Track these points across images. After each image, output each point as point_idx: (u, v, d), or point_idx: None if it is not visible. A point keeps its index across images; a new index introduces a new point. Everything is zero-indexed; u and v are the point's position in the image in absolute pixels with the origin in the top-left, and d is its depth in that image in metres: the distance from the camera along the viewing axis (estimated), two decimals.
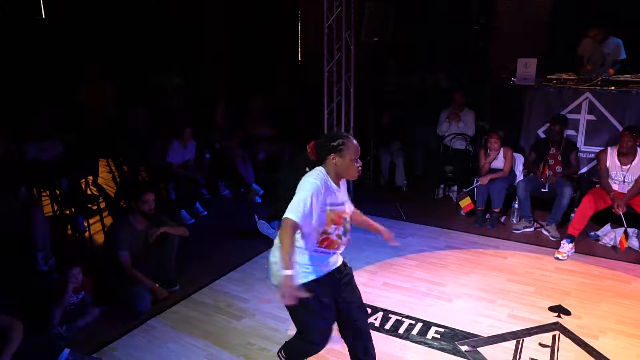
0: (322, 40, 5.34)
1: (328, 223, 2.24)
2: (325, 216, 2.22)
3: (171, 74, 6.89)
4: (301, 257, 2.26)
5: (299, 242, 2.25)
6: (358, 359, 2.49)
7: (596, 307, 3.41)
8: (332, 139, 2.28)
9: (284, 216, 2.10)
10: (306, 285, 2.20)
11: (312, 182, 2.17)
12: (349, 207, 2.39)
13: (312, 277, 2.27)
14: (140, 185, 3.77)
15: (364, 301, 3.46)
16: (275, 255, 2.28)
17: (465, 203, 5.05)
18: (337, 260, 2.42)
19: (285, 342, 2.59)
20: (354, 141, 2.27)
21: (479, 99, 6.29)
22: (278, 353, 2.58)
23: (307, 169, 2.32)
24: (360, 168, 2.30)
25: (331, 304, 2.35)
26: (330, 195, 2.24)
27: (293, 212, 2.10)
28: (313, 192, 2.14)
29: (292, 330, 3.13)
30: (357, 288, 2.48)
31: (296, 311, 2.29)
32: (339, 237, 2.30)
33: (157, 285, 3.52)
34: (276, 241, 2.30)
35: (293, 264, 2.08)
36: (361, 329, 2.47)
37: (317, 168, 2.27)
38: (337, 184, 2.30)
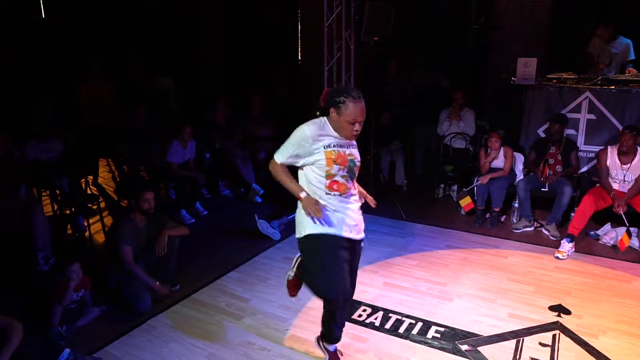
0: (322, 40, 5.34)
1: (329, 164, 2.28)
2: (324, 159, 2.28)
3: (164, 76, 6.90)
4: (320, 200, 2.34)
5: (314, 190, 2.35)
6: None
7: (596, 306, 3.41)
8: (338, 93, 2.28)
9: (275, 157, 2.35)
10: (321, 236, 2.33)
11: (302, 128, 2.31)
12: (358, 157, 2.42)
13: (327, 232, 2.33)
14: (140, 184, 3.78)
15: (364, 301, 3.47)
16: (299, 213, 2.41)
17: (466, 202, 5.05)
18: (357, 222, 2.45)
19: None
20: (359, 103, 2.24)
21: (479, 99, 6.29)
22: (317, 340, 2.74)
23: (317, 113, 2.39)
24: (357, 132, 2.30)
25: (343, 254, 2.37)
26: (328, 138, 2.30)
27: (279, 153, 2.35)
28: (295, 139, 2.30)
29: (292, 330, 3.14)
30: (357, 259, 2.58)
31: (311, 263, 2.38)
32: (345, 179, 2.35)
33: (157, 282, 3.52)
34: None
35: (297, 186, 2.33)
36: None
37: (323, 117, 2.35)
38: (345, 136, 2.32)
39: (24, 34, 6.92)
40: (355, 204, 2.47)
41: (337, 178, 2.33)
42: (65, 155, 4.93)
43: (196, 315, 3.38)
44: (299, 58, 7.82)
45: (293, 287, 2.67)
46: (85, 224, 4.89)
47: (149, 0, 7.84)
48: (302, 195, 2.26)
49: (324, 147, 2.28)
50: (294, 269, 2.61)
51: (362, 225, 2.52)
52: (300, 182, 2.42)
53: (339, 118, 2.25)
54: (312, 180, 2.36)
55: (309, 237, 2.37)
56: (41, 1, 7.24)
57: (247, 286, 3.78)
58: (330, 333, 2.66)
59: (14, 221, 3.97)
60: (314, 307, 3.42)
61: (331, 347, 2.72)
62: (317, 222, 2.33)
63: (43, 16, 7.30)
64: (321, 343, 2.75)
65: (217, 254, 4.37)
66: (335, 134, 2.32)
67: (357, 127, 2.28)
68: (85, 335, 3.13)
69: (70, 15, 7.38)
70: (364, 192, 2.59)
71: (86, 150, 5.38)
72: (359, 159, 2.43)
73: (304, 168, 2.38)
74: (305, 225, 2.37)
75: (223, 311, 3.42)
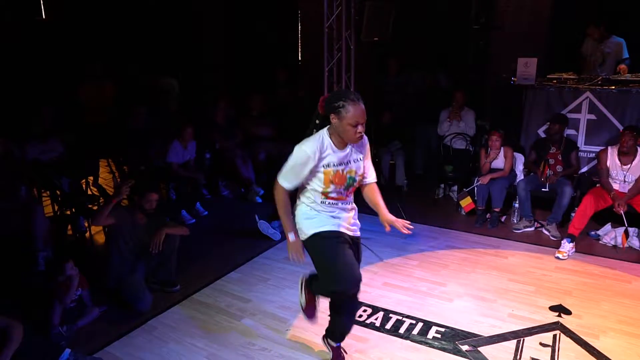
0: (322, 40, 5.34)
1: (326, 183, 2.31)
2: (322, 177, 2.31)
3: (167, 76, 6.91)
4: (305, 212, 2.41)
5: (303, 195, 2.41)
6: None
7: (597, 306, 3.41)
8: (336, 98, 2.26)
9: (278, 180, 2.33)
10: (321, 234, 2.36)
11: (302, 150, 2.26)
12: (359, 166, 2.41)
13: (326, 229, 2.37)
14: (148, 183, 3.79)
15: (364, 301, 3.47)
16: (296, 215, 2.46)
17: (466, 203, 5.05)
18: (354, 224, 2.50)
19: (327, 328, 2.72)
20: (359, 106, 2.22)
21: (479, 99, 6.29)
22: (323, 339, 2.77)
23: (317, 121, 2.37)
24: (360, 134, 2.27)
25: (346, 246, 2.41)
26: (329, 156, 2.29)
27: (283, 177, 2.33)
28: (299, 161, 2.27)
29: (292, 330, 3.14)
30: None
31: (318, 258, 2.40)
32: (340, 193, 2.39)
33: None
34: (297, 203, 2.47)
35: (291, 225, 2.37)
36: None
37: (322, 130, 2.32)
38: (341, 146, 2.31)
39: (24, 34, 6.92)
40: (350, 211, 2.51)
41: (333, 194, 2.38)
42: (65, 155, 4.93)
43: (196, 315, 3.37)
44: (299, 58, 7.83)
45: (311, 310, 2.67)
46: (86, 224, 4.89)
47: (149, 0, 7.84)
48: (290, 237, 2.33)
49: (324, 167, 2.30)
50: (303, 294, 2.61)
51: (358, 229, 2.58)
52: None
53: (341, 122, 2.23)
54: (309, 185, 2.39)
55: (313, 237, 2.40)
56: (41, 2, 7.24)
57: (248, 286, 3.78)
58: (335, 329, 2.68)
59: (14, 221, 3.97)
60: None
61: (335, 344, 2.74)
62: (316, 223, 2.38)
63: (43, 17, 7.30)
64: (326, 340, 2.77)
65: (217, 254, 4.37)
66: (336, 149, 2.31)
67: (360, 129, 2.25)
68: (85, 336, 3.13)
69: (70, 15, 7.38)
70: (392, 218, 2.54)
71: (86, 150, 5.37)
72: (360, 171, 2.42)
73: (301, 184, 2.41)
74: (306, 228, 2.42)
75: (223, 311, 3.42)
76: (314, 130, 2.36)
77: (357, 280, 2.38)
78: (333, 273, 2.35)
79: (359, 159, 2.41)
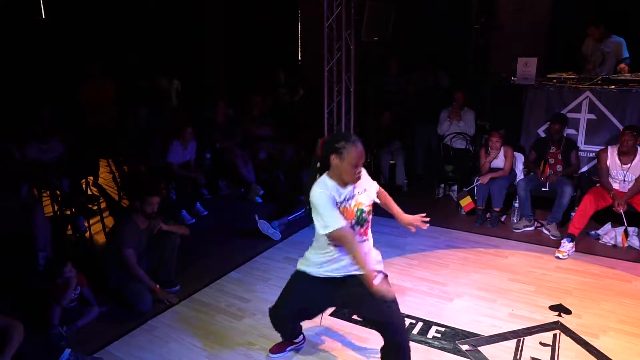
0: (322, 40, 5.34)
1: None
2: None
3: (168, 76, 6.92)
4: (317, 257, 2.43)
5: (317, 243, 2.41)
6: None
7: (597, 306, 3.41)
8: (337, 139, 2.30)
9: (329, 231, 2.24)
10: (303, 273, 2.47)
11: (320, 193, 2.27)
12: (365, 197, 2.40)
13: (316, 274, 2.44)
14: (148, 186, 3.78)
15: None
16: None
17: (466, 202, 5.05)
18: (351, 266, 2.38)
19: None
20: (359, 147, 2.26)
21: (479, 98, 6.29)
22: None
23: (318, 164, 2.38)
24: (359, 175, 2.31)
25: (318, 302, 2.56)
26: (335, 195, 2.30)
27: (333, 222, 2.23)
28: (329, 198, 2.26)
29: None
30: (369, 297, 2.31)
31: (289, 285, 2.60)
32: (353, 228, 2.35)
33: (158, 286, 3.52)
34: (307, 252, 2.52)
35: (364, 260, 2.25)
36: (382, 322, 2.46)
37: (322, 176, 2.34)
38: (343, 185, 2.32)
39: (24, 34, 6.92)
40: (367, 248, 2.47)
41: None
42: (65, 155, 4.94)
43: (197, 315, 3.38)
44: (299, 58, 7.83)
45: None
46: (86, 224, 4.89)
47: (149, 0, 7.85)
48: (375, 277, 2.21)
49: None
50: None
51: (372, 261, 2.47)
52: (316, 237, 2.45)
53: (342, 163, 2.25)
54: (316, 234, 2.41)
55: (298, 272, 2.55)
56: (41, 1, 7.25)
57: (248, 286, 3.78)
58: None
59: (14, 221, 3.97)
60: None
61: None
62: (313, 266, 2.46)
63: (43, 17, 7.31)
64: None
65: (218, 254, 4.37)
66: (338, 187, 2.31)
67: (359, 169, 2.29)
68: (85, 336, 3.13)
69: (70, 15, 7.38)
70: (410, 218, 2.59)
71: (87, 150, 5.38)
72: (368, 202, 2.42)
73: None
74: (305, 264, 2.51)
75: (223, 311, 3.42)
76: (317, 175, 2.37)
77: (282, 324, 2.72)
78: (277, 303, 2.66)
79: (363, 190, 2.42)
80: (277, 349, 2.91)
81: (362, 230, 2.40)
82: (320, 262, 2.42)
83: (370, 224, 2.45)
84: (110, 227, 4.69)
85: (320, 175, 2.36)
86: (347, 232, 2.24)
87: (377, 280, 2.07)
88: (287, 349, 2.92)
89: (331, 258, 2.39)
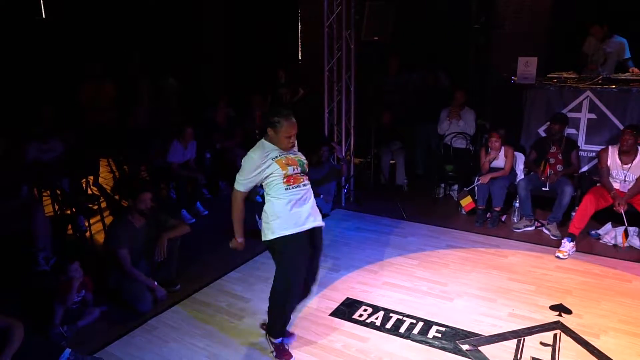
0: (322, 40, 5.34)
1: (283, 167, 2.65)
2: (277, 165, 2.64)
3: (166, 76, 6.91)
4: (279, 206, 2.69)
5: (272, 191, 2.70)
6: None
7: (597, 305, 3.41)
8: (272, 115, 2.69)
9: (235, 185, 2.70)
10: (285, 238, 2.67)
11: (249, 156, 2.68)
12: (301, 156, 2.81)
13: (291, 231, 2.67)
14: (137, 184, 3.78)
15: (365, 300, 3.47)
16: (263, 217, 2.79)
17: (466, 202, 5.04)
18: (314, 217, 2.77)
19: (267, 324, 2.93)
20: (291, 120, 2.65)
21: (479, 98, 6.29)
22: (265, 337, 2.93)
23: (257, 132, 2.68)
24: (292, 143, 2.72)
25: (306, 254, 2.75)
26: (272, 152, 2.67)
27: (240, 183, 2.70)
28: (250, 165, 2.65)
29: (292, 330, 3.13)
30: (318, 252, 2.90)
31: (284, 268, 2.72)
32: (298, 173, 2.72)
33: (156, 282, 3.52)
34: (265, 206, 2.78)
35: (241, 230, 2.81)
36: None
37: (262, 141, 2.73)
38: (284, 148, 2.70)
39: (24, 34, 6.92)
40: (309, 191, 2.81)
41: (292, 174, 2.70)
42: (65, 155, 4.94)
43: (197, 315, 3.37)
44: (299, 58, 7.83)
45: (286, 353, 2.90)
46: (86, 224, 4.89)
47: (149, 0, 7.85)
48: (239, 239, 2.75)
49: (273, 159, 2.67)
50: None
51: (320, 218, 2.86)
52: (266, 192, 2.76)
53: (277, 135, 2.66)
54: (272, 180, 2.69)
55: (280, 240, 2.69)
56: (41, 1, 7.25)
57: (248, 286, 3.78)
58: (275, 325, 2.86)
59: (14, 221, 3.97)
60: (314, 307, 3.43)
61: (277, 340, 2.88)
62: (284, 223, 2.68)
63: (43, 16, 7.31)
64: (268, 338, 2.91)
65: (218, 254, 4.37)
66: (276, 147, 2.70)
67: (292, 139, 2.70)
68: (86, 335, 3.13)
69: (70, 15, 7.38)
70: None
71: (87, 150, 5.37)
72: (304, 158, 2.83)
73: (265, 185, 2.73)
74: (275, 228, 2.69)
75: (224, 311, 3.42)
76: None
77: (302, 297, 2.88)
78: (287, 289, 2.74)
79: (296, 152, 2.82)
80: (285, 354, 2.89)
81: (304, 177, 2.78)
82: (285, 213, 2.69)
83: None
84: (107, 226, 4.69)
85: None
86: (240, 200, 2.74)
87: (239, 239, 2.76)
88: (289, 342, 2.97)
89: (292, 199, 2.70)
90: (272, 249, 2.76)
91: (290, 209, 2.67)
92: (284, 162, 2.68)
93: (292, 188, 2.69)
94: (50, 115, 5.06)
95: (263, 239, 2.77)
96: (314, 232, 2.81)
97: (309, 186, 2.80)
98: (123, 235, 3.48)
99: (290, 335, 3.01)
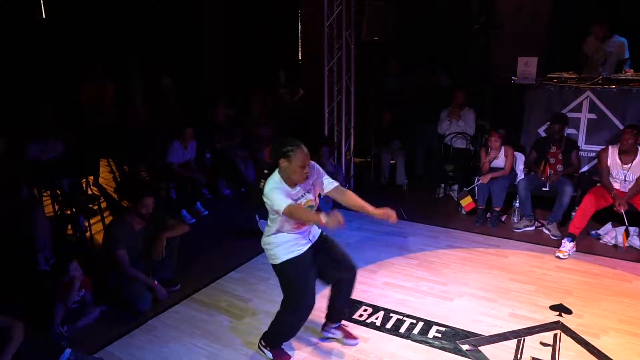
0: (322, 40, 5.34)
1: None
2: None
3: (164, 76, 6.91)
4: (283, 237, 2.66)
5: (279, 224, 2.63)
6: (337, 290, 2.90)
7: (597, 305, 3.41)
8: (283, 145, 2.56)
9: (281, 210, 2.46)
10: (293, 260, 2.65)
11: (273, 187, 2.53)
12: (311, 195, 2.70)
13: (296, 254, 2.66)
14: (141, 188, 3.78)
15: (365, 300, 3.47)
16: (265, 242, 2.73)
17: (466, 202, 5.04)
18: (314, 234, 2.78)
19: (265, 332, 2.89)
20: (304, 150, 2.54)
21: (479, 98, 6.29)
22: (259, 345, 2.91)
23: (265, 171, 2.62)
24: (306, 174, 2.58)
25: (312, 269, 2.72)
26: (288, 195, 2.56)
27: (282, 202, 2.47)
28: (280, 190, 2.52)
29: None
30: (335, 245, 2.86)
31: (289, 284, 2.71)
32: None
33: (155, 282, 3.52)
34: (265, 230, 2.75)
35: (315, 214, 2.48)
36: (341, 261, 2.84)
37: (273, 175, 2.59)
38: (292, 185, 2.59)
39: (24, 34, 6.92)
40: (309, 231, 2.77)
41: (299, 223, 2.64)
42: (65, 155, 4.93)
43: (197, 315, 3.37)
44: (299, 58, 7.83)
45: (284, 355, 2.89)
46: (86, 224, 4.89)
47: (149, 0, 7.85)
48: (323, 217, 2.40)
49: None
50: (267, 353, 2.89)
51: (317, 233, 2.84)
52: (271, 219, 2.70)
53: (291, 165, 2.52)
54: (277, 221, 2.65)
55: (286, 263, 2.68)
56: (42, 1, 7.25)
57: (248, 286, 3.78)
58: (277, 339, 2.88)
59: (14, 221, 3.97)
60: (314, 307, 3.42)
61: (271, 351, 2.89)
62: (288, 248, 2.66)
63: (43, 16, 7.31)
64: (261, 346, 2.91)
65: (218, 254, 4.37)
66: (289, 189, 2.57)
67: (306, 169, 2.56)
68: (86, 335, 3.13)
69: (70, 15, 7.38)
70: (377, 211, 2.64)
71: (87, 150, 5.37)
72: (315, 199, 2.72)
73: (270, 215, 2.68)
74: (280, 254, 2.67)
75: (224, 311, 3.42)
76: (261, 182, 2.63)
77: (312, 308, 2.74)
78: (304, 295, 2.70)
79: (310, 190, 2.70)
80: (348, 334, 3.02)
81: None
82: (287, 244, 2.66)
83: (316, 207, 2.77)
84: (105, 226, 4.70)
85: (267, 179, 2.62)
86: (292, 206, 2.48)
87: (324, 218, 2.36)
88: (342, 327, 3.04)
89: (294, 237, 2.67)
90: (279, 271, 2.75)
91: (293, 240, 2.69)
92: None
93: (296, 233, 2.68)
94: (51, 115, 5.05)
95: (270, 262, 2.76)
96: (317, 245, 2.80)
97: (310, 228, 2.77)
98: (121, 236, 3.49)
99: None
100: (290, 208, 2.47)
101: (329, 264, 2.80)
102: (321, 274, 2.80)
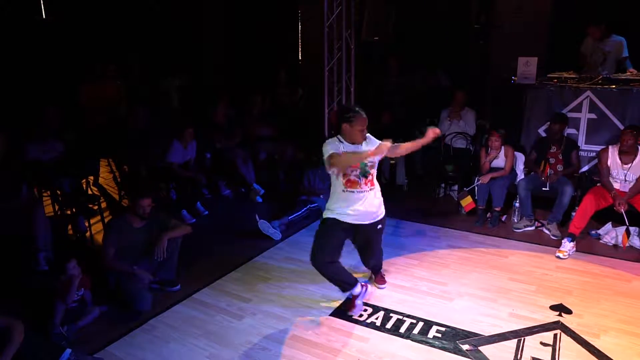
0: (322, 40, 5.35)
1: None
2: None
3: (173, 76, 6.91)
4: (335, 203, 3.16)
5: (335, 186, 3.14)
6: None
7: (597, 305, 3.41)
8: (346, 111, 3.15)
9: (327, 156, 3.00)
10: (328, 220, 3.19)
11: (327, 142, 3.10)
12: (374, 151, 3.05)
13: (333, 216, 3.16)
14: (139, 188, 3.79)
15: (365, 300, 3.46)
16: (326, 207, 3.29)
17: (467, 202, 5.04)
18: (369, 214, 3.18)
19: None
20: (363, 115, 3.09)
21: (479, 98, 6.28)
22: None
23: (332, 131, 2.98)
24: (364, 136, 3.12)
25: (339, 238, 3.20)
26: (344, 149, 3.04)
27: (328, 152, 3.01)
28: (332, 147, 3.04)
29: (293, 330, 3.14)
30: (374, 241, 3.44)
31: (315, 235, 3.23)
32: (358, 177, 3.10)
33: (139, 268, 3.53)
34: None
35: (364, 152, 3.04)
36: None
37: (334, 138, 3.12)
38: (352, 143, 3.10)
39: (24, 34, 6.92)
40: (368, 197, 3.16)
41: (351, 177, 3.09)
42: (66, 155, 4.93)
43: (197, 315, 3.37)
44: (299, 58, 7.83)
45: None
46: (86, 224, 4.89)
47: (149, 0, 7.85)
48: (367, 153, 2.99)
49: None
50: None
51: (378, 211, 3.24)
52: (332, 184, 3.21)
53: (352, 129, 3.07)
54: (333, 180, 3.16)
55: (325, 219, 3.25)
56: (42, 2, 7.25)
57: (248, 286, 3.78)
58: (336, 285, 3.29)
59: (14, 221, 3.97)
60: (315, 307, 3.43)
61: (347, 294, 3.32)
62: (331, 212, 3.19)
63: (43, 16, 7.31)
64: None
65: (218, 253, 4.37)
66: (348, 144, 3.09)
67: (364, 132, 3.12)
68: (86, 336, 3.13)
69: (71, 15, 7.38)
70: (421, 141, 3.18)
71: (87, 150, 5.37)
72: (372, 160, 3.13)
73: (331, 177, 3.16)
74: (325, 212, 3.26)
75: (224, 311, 3.42)
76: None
77: (322, 262, 3.17)
78: (313, 250, 3.20)
79: (368, 147, 3.11)
80: (350, 307, 3.30)
81: (367, 180, 3.13)
82: (336, 205, 3.15)
83: (374, 177, 3.19)
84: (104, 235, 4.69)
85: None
86: (336, 155, 2.97)
87: (373, 150, 2.96)
88: (356, 302, 3.29)
89: (345, 198, 3.12)
90: (320, 222, 3.29)
91: (339, 209, 3.15)
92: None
93: (349, 192, 3.10)
94: (51, 116, 5.04)
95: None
96: (358, 229, 3.22)
97: (367, 195, 3.14)
98: (115, 232, 3.53)
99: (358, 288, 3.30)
100: (333, 155, 2.97)
101: (361, 250, 3.46)
102: (359, 253, 3.49)
